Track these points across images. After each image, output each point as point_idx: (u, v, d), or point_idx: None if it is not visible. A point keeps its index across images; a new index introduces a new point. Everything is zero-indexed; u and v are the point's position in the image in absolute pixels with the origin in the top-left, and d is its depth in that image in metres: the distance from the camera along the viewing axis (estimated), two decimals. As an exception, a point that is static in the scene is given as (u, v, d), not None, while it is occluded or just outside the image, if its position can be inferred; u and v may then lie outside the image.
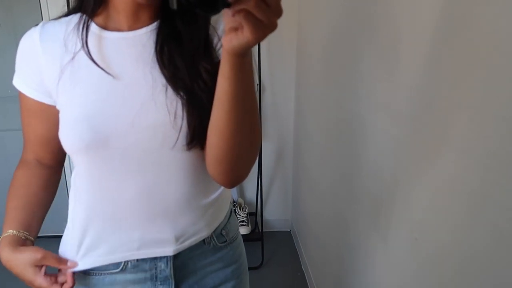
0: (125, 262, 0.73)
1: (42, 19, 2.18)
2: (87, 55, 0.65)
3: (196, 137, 0.64)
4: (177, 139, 0.65)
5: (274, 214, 2.63)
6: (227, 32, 0.46)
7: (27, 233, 0.69)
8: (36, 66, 0.67)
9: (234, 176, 0.66)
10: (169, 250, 0.73)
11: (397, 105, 0.99)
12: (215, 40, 0.66)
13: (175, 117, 0.64)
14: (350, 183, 1.40)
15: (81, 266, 0.73)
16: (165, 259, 0.74)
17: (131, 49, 0.66)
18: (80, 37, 0.66)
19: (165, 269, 0.75)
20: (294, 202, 2.54)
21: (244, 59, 0.50)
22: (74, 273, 0.70)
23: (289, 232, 2.63)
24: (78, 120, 0.64)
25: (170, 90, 0.64)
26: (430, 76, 0.84)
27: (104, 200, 0.70)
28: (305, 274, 2.17)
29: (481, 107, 0.68)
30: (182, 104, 0.64)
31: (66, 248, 0.76)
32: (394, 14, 1.01)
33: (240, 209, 2.48)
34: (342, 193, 1.50)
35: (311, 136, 2.02)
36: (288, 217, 2.65)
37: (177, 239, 0.73)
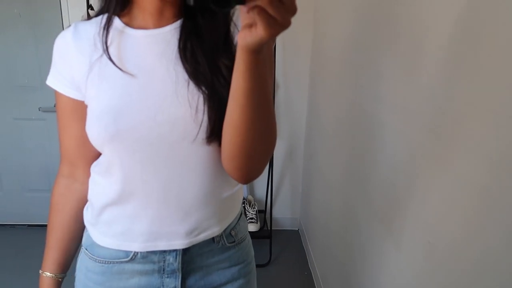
0: (134, 252, 0.75)
1: (61, 12, 2.21)
2: (106, 55, 0.68)
3: (216, 131, 0.66)
4: (198, 132, 0.67)
5: (283, 213, 2.63)
6: (242, 28, 0.47)
7: (63, 275, 0.85)
8: (69, 63, 0.71)
9: (248, 172, 0.67)
10: (179, 243, 0.74)
11: (414, 106, 0.98)
12: (236, 36, 0.68)
13: (196, 111, 0.66)
14: (362, 184, 1.39)
15: (96, 235, 0.78)
16: (175, 253, 0.76)
17: (155, 46, 0.68)
18: (101, 39, 0.69)
19: (173, 263, 0.76)
20: (304, 201, 2.54)
21: (258, 56, 0.51)
22: None
23: (297, 231, 2.63)
24: (104, 112, 0.67)
25: (192, 85, 0.66)
26: (449, 78, 0.83)
27: (124, 190, 0.72)
28: (312, 274, 2.16)
29: (498, 110, 0.67)
30: (204, 98, 0.66)
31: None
32: (414, 15, 1.00)
33: (249, 206, 2.49)
34: (354, 194, 1.49)
35: (323, 135, 2.02)
36: (297, 216, 2.65)
37: (188, 233, 0.74)
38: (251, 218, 2.42)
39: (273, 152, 0.68)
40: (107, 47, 0.68)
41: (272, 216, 2.44)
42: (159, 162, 0.69)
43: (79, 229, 0.83)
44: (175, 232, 0.74)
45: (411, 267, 0.99)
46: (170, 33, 0.69)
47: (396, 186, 1.09)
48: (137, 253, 0.75)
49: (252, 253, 0.90)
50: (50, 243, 0.83)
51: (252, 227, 2.38)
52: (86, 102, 0.71)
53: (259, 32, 0.44)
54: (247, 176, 0.68)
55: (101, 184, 0.75)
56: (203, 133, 0.67)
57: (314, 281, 2.10)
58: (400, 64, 1.07)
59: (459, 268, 0.79)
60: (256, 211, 2.49)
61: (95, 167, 0.77)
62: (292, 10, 0.43)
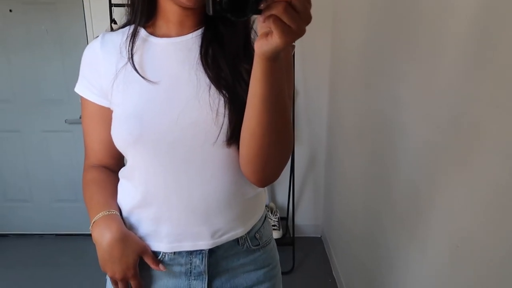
0: (162, 253, 0.77)
1: (85, 27, 2.29)
2: (130, 63, 0.71)
3: (236, 133, 0.68)
4: (219, 135, 0.68)
5: (305, 220, 2.61)
6: (259, 37, 0.50)
7: (115, 211, 0.76)
8: (97, 71, 0.74)
9: (265, 176, 0.68)
10: (204, 243, 0.76)
11: (436, 110, 0.97)
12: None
13: (217, 115, 0.68)
14: (386, 190, 1.38)
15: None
16: (201, 255, 0.77)
17: (178, 53, 0.71)
18: (127, 47, 0.72)
19: (200, 265, 0.77)
20: (326, 208, 2.52)
21: (274, 63, 0.53)
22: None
23: (320, 238, 2.61)
24: (129, 117, 0.70)
25: (213, 89, 0.68)
26: (470, 81, 0.82)
27: (148, 192, 0.74)
28: (336, 281, 2.14)
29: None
30: (224, 101, 0.68)
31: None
32: (433, 19, 1.00)
33: (271, 213, 2.49)
34: (377, 200, 1.48)
35: (345, 141, 2.01)
36: (319, 223, 2.63)
37: (212, 234, 0.76)
38: (273, 225, 2.42)
39: (289, 157, 0.70)
40: (132, 55, 0.72)
41: (294, 223, 2.43)
42: (181, 165, 0.71)
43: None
44: (200, 233, 0.75)
45: (437, 272, 0.97)
46: (192, 40, 0.72)
47: (419, 190, 1.07)
48: (165, 254, 0.77)
49: (277, 257, 0.90)
50: (92, 198, 0.78)
51: (275, 235, 2.36)
52: (111, 108, 0.74)
53: (274, 40, 0.47)
54: (264, 179, 0.70)
55: (127, 188, 0.78)
56: (223, 136, 0.68)
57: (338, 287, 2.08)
58: (419, 66, 1.06)
59: (485, 273, 0.77)
60: (278, 218, 2.49)
61: (121, 172, 0.80)
62: (307, 19, 0.46)
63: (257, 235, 0.83)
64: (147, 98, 0.70)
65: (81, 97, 0.78)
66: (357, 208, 1.76)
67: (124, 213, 0.78)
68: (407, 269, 1.17)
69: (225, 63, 0.69)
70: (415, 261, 1.11)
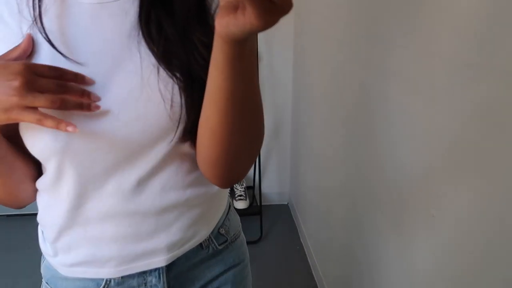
0: (106, 279, 0.61)
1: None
2: (39, 31, 0.50)
3: (195, 127, 0.52)
4: (176, 132, 0.53)
5: (272, 188, 2.58)
6: (222, 12, 0.35)
7: None
8: None
9: (229, 178, 0.56)
10: (160, 260, 0.62)
11: (431, 82, 0.85)
12: (213, 5, 0.53)
13: (171, 105, 0.51)
14: (355, 156, 1.33)
15: (57, 266, 0.63)
16: (156, 272, 0.62)
17: (112, 18, 0.51)
18: (29, 3, 0.51)
19: (157, 284, 0.63)
20: (293, 175, 2.49)
21: (243, 48, 0.39)
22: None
23: (287, 205, 2.60)
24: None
25: (162, 71, 0.51)
26: (475, 47, 0.75)
27: (80, 206, 0.57)
28: (304, 247, 2.14)
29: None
30: (179, 87, 0.51)
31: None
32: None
33: (237, 183, 2.43)
34: (346, 167, 1.44)
35: (312, 107, 1.94)
36: (286, 190, 2.61)
37: (170, 247, 0.61)
38: (240, 195, 2.37)
39: (258, 153, 0.57)
40: (40, 15, 0.50)
41: (261, 192, 2.39)
42: (127, 170, 0.54)
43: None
44: (154, 249, 0.60)
45: (410, 239, 0.95)
46: (129, 0, 0.52)
47: (394, 158, 1.02)
48: (110, 280, 0.61)
49: (247, 253, 0.78)
50: None
51: (242, 204, 2.32)
52: None
53: (248, 19, 0.33)
54: (228, 182, 0.56)
55: (51, 204, 0.59)
56: (180, 132, 0.53)
57: (307, 254, 2.08)
58: (406, 26, 0.98)
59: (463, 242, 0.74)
60: (245, 188, 2.44)
61: (40, 183, 0.60)
62: None
63: (222, 230, 0.69)
64: None
65: None
66: (324, 175, 1.73)
67: (52, 237, 0.61)
68: (376, 232, 1.15)
69: (175, 33, 0.50)
70: (389, 226, 1.08)
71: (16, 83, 0.43)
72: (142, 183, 0.56)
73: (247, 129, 0.50)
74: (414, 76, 0.89)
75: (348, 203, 1.42)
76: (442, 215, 0.81)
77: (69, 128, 0.45)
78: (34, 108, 0.44)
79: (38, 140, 0.51)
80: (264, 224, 2.27)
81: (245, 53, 0.40)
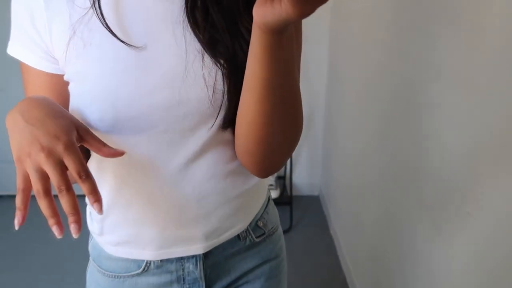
0: (147, 261, 0.64)
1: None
2: (97, 16, 0.50)
3: (236, 115, 0.53)
4: (216, 118, 0.54)
5: (303, 178, 2.58)
6: (259, 1, 0.36)
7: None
8: (41, 25, 0.52)
9: (267, 167, 0.56)
10: (198, 247, 0.63)
11: (475, 77, 0.85)
12: None
13: (213, 92, 0.52)
14: (392, 149, 1.31)
15: (103, 244, 0.66)
16: (194, 259, 0.64)
17: (158, 5, 0.52)
18: None
19: (194, 271, 0.65)
20: (324, 167, 2.48)
21: (281, 37, 0.39)
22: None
23: (318, 196, 2.59)
24: (94, 95, 0.52)
25: (207, 57, 0.52)
26: None
27: (123, 188, 0.60)
28: (334, 239, 2.14)
29: None
30: (223, 74, 0.52)
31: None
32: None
33: (268, 172, 2.45)
34: (380, 159, 1.42)
35: (348, 98, 1.92)
36: (317, 182, 2.60)
37: (208, 235, 0.63)
38: (271, 185, 2.38)
39: (298, 142, 0.57)
40: (99, 3, 0.50)
41: (292, 182, 2.40)
42: (167, 155, 0.56)
43: None
44: (192, 236, 0.62)
45: (447, 238, 0.93)
46: None
47: (440, 161, 1.00)
48: (150, 262, 0.64)
49: (284, 247, 0.78)
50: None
51: (272, 194, 2.34)
52: (66, 78, 0.54)
53: (284, 8, 0.33)
54: (267, 171, 0.57)
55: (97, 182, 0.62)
56: (221, 119, 0.54)
57: (336, 246, 2.08)
58: (452, 22, 0.95)
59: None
60: (276, 177, 2.45)
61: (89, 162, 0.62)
62: None
63: (260, 223, 0.70)
64: (118, 69, 0.51)
65: (20, 62, 0.55)
66: (357, 167, 1.71)
67: (98, 217, 0.64)
68: (405, 226, 1.13)
69: (221, 20, 0.50)
70: (421, 221, 1.07)
71: (57, 147, 0.43)
72: (183, 169, 0.58)
73: (284, 119, 0.50)
74: (458, 71, 0.87)
75: (379, 196, 1.40)
76: (481, 214, 0.80)
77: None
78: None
79: (84, 120, 0.53)
80: (294, 215, 2.29)
81: (283, 43, 0.41)
